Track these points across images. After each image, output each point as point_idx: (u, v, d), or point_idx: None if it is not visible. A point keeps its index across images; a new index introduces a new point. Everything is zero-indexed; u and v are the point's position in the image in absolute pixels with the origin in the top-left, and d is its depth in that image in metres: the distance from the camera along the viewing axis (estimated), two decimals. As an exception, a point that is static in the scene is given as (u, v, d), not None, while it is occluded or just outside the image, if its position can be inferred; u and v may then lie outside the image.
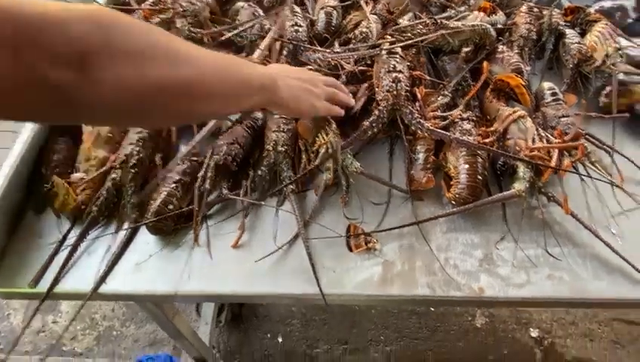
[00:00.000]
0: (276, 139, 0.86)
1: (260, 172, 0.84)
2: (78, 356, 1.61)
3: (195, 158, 0.85)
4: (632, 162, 0.87)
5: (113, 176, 0.81)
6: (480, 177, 0.81)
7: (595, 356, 1.57)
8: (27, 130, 0.84)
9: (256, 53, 0.98)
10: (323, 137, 0.86)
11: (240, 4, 1.14)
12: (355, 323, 1.65)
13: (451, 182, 0.83)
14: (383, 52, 0.97)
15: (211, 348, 1.51)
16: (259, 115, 0.93)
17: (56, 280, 0.73)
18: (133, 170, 0.81)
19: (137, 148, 0.83)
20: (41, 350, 1.62)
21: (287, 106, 0.72)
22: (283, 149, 0.84)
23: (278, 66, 0.87)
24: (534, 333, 1.62)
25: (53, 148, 0.86)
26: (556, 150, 0.81)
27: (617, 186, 0.83)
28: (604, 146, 0.89)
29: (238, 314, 1.67)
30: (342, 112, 0.83)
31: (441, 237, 0.80)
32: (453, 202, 0.82)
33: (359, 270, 0.76)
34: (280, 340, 1.62)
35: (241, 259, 0.77)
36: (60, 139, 0.87)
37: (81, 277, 0.75)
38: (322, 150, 0.85)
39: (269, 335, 1.63)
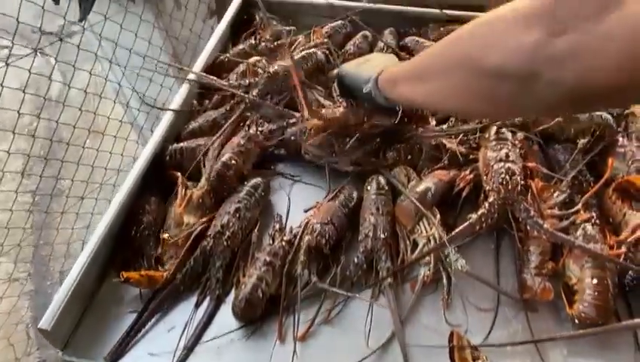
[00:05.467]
0: (375, 223, 0.79)
1: (356, 259, 0.77)
2: None
3: (285, 239, 0.79)
4: None
5: (204, 244, 0.77)
6: (611, 296, 0.70)
7: None
8: (123, 190, 0.83)
9: None
10: (425, 228, 0.79)
11: None
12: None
13: (574, 297, 0.72)
14: (492, 136, 0.90)
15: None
16: (354, 193, 0.87)
17: (121, 348, 0.69)
18: (226, 243, 0.77)
19: (234, 220, 0.79)
20: None
21: None
22: (383, 236, 0.78)
23: None
24: None
25: (144, 208, 0.83)
26: None
27: None
28: None
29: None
30: None
31: (561, 361, 0.69)
32: (577, 321, 0.71)
33: (464, 391, 0.66)
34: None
35: (326, 359, 0.69)
36: (151, 198, 0.85)
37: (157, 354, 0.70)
38: (422, 242, 0.78)
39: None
